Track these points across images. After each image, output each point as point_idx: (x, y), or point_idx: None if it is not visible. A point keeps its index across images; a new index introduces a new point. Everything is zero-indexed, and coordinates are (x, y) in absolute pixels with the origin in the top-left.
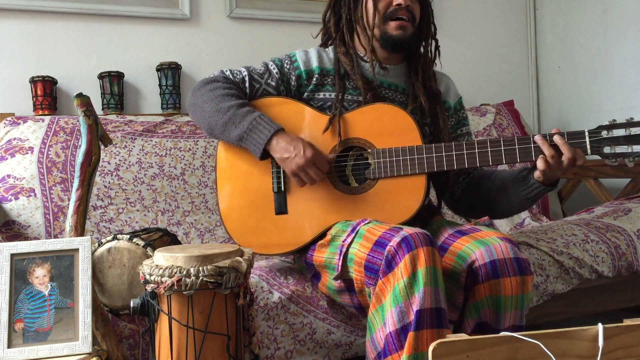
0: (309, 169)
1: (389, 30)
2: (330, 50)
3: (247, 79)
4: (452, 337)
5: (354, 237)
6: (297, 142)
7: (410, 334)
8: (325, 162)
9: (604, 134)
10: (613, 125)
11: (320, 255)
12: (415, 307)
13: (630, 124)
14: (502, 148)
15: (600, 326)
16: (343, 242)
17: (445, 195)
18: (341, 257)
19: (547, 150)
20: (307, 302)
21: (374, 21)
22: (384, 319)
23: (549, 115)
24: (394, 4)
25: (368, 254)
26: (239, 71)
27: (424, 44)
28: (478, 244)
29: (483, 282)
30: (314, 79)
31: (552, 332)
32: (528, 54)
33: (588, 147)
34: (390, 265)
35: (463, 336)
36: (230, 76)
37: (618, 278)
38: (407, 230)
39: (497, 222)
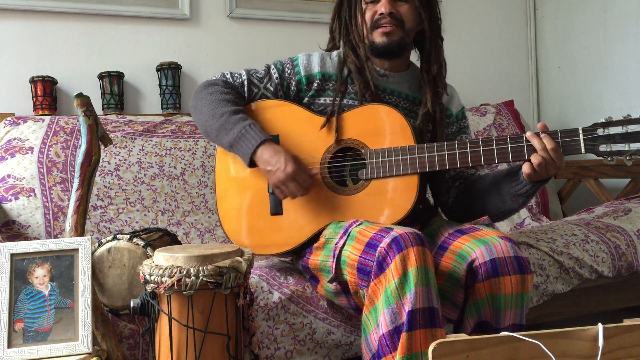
0: (289, 184)
1: (374, 39)
2: (334, 54)
3: (245, 82)
4: (452, 337)
5: (346, 239)
6: (279, 156)
7: (403, 335)
8: (307, 177)
9: (600, 131)
10: (609, 123)
11: (315, 259)
12: (407, 307)
13: (627, 121)
14: (495, 147)
15: (600, 326)
16: (336, 244)
17: (441, 199)
18: (335, 260)
19: (537, 143)
20: (307, 302)
21: (362, 32)
22: (377, 321)
23: (549, 115)
24: (378, 13)
25: (360, 256)
26: (239, 74)
27: (428, 46)
28: (478, 243)
29: (483, 280)
30: (315, 84)
31: (552, 332)
32: (528, 54)
33: (582, 145)
34: (381, 266)
35: (463, 336)
36: (230, 79)
37: (618, 278)
38: (397, 231)
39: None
